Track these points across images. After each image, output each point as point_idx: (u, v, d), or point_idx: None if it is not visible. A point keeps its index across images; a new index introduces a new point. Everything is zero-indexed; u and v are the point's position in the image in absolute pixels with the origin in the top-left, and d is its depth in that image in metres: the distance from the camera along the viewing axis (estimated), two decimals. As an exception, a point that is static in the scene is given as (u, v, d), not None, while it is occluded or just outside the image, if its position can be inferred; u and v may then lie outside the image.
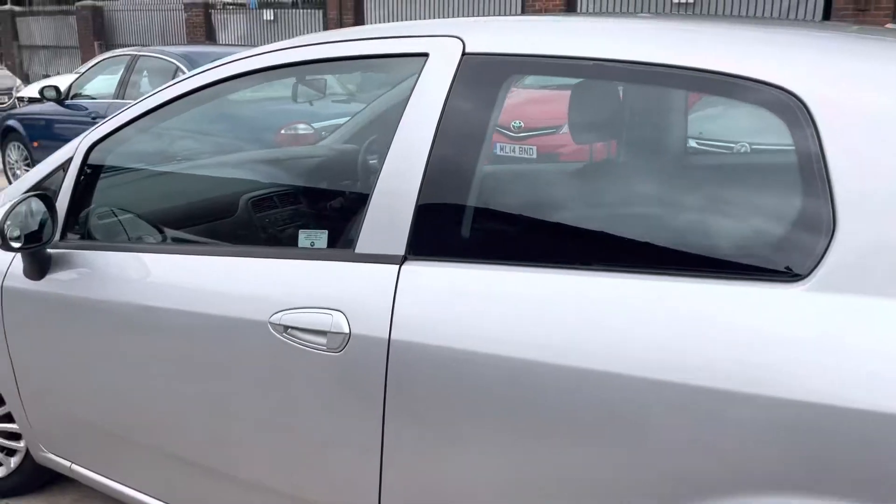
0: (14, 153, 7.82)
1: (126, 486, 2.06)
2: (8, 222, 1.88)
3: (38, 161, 7.48)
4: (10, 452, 2.50)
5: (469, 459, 1.36)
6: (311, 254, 1.59)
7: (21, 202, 1.90)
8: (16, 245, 1.91)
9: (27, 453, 2.44)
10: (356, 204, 1.70)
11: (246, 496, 1.76)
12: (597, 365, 1.22)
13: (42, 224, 1.96)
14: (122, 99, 6.79)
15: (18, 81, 15.21)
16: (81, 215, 2.09)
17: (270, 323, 1.57)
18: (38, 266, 2.01)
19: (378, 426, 1.45)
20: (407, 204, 1.45)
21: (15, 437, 2.45)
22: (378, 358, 1.42)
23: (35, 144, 7.48)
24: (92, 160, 2.07)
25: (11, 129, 7.75)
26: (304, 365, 1.52)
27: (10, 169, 7.93)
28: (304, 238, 1.67)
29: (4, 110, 14.36)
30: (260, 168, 2.61)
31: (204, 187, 2.53)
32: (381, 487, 1.49)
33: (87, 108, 7.02)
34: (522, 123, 5.73)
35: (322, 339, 1.50)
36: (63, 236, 2.04)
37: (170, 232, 2.19)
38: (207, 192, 2.46)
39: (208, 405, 1.72)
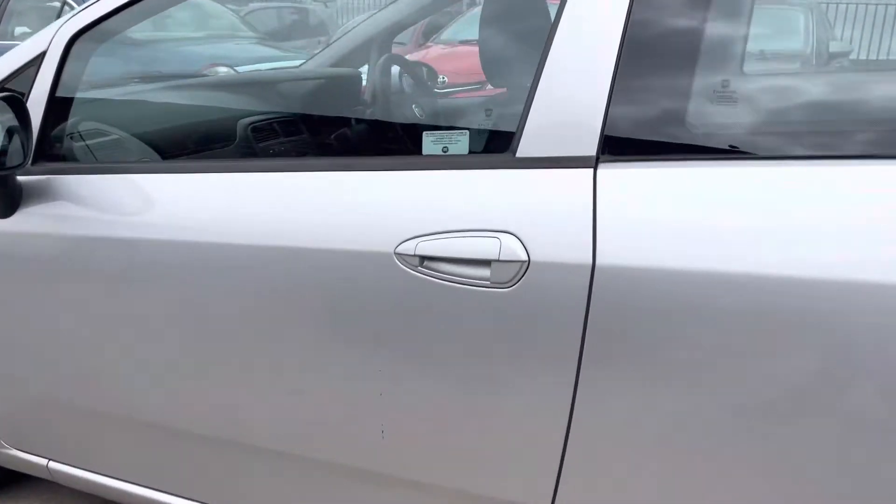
0: None
1: (140, 485, 1.59)
2: None
3: None
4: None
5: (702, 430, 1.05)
6: (450, 162, 1.20)
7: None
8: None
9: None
10: (502, 99, 1.31)
11: (360, 491, 1.36)
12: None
13: (10, 138, 1.44)
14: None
15: None
16: (58, 131, 1.57)
17: (398, 254, 1.17)
18: (7, 199, 1.49)
19: (569, 381, 1.10)
20: (596, 90, 1.10)
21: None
22: (574, 290, 1.07)
23: None
24: (73, 56, 1.55)
25: None
26: (451, 306, 1.15)
27: None
28: (433, 142, 1.27)
29: None
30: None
31: (228, 97, 2.03)
32: (562, 467, 1.15)
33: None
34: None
35: (483, 271, 1.12)
36: (35, 159, 1.52)
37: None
38: (235, 101, 1.97)
39: (293, 374, 1.30)
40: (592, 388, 1.09)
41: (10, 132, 1.43)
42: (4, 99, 1.42)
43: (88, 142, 1.65)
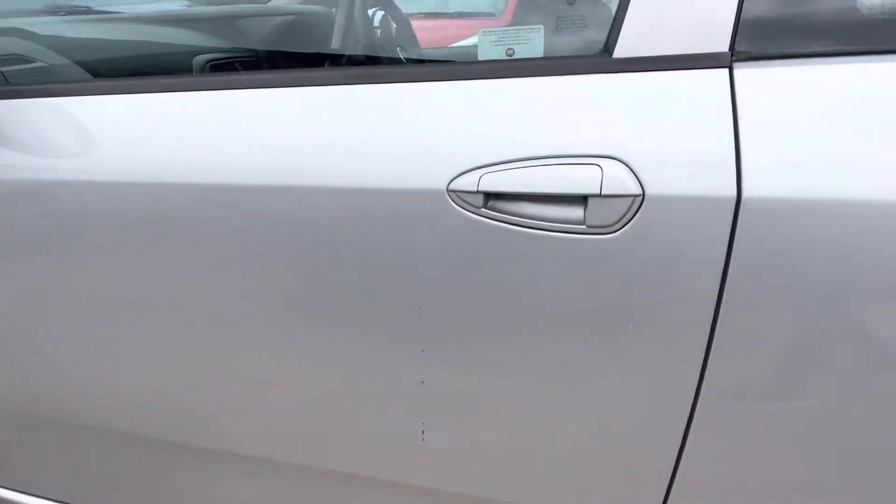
0: None
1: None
2: None
3: None
4: None
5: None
6: (519, 68, 0.89)
7: None
8: None
9: None
10: None
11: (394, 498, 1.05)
12: None
13: None
14: None
15: None
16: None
17: (452, 191, 0.86)
18: None
19: (696, 357, 0.82)
20: None
21: None
22: (710, 233, 0.78)
23: None
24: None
25: None
26: (529, 258, 0.85)
27: None
28: (493, 42, 0.94)
29: None
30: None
31: None
32: (683, 451, 0.87)
33: None
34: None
35: (575, 211, 0.83)
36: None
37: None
38: None
39: (333, 355, 0.98)
40: (726, 368, 0.81)
41: None
42: None
43: (6, 68, 1.27)
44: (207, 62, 1.73)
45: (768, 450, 0.83)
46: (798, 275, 0.76)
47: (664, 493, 0.89)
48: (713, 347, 0.81)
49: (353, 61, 1.72)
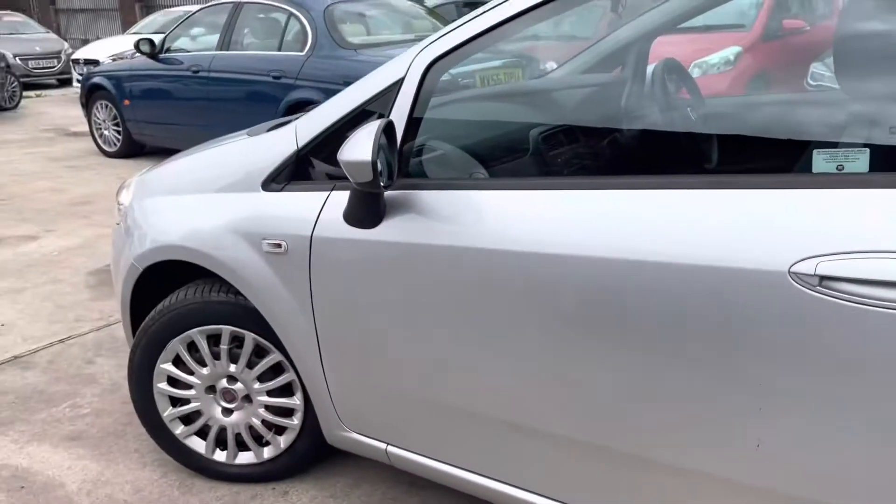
0: (102, 112, 7.48)
1: (478, 474, 1.73)
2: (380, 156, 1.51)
3: (129, 121, 7.17)
4: (280, 430, 2.18)
5: None
6: (848, 181, 1.21)
7: (380, 132, 1.52)
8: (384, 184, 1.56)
9: (300, 432, 2.12)
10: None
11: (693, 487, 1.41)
12: None
13: (388, 159, 1.60)
14: (227, 50, 6.40)
15: (66, 44, 14.88)
16: (411, 150, 1.73)
17: (793, 273, 1.20)
18: (377, 210, 1.66)
19: None
20: None
21: (287, 412, 2.13)
22: None
23: (126, 102, 7.13)
24: (427, 81, 1.69)
25: (98, 87, 7.39)
26: (858, 328, 1.16)
27: (98, 129, 7.60)
28: (825, 161, 1.29)
29: (53, 74, 14.11)
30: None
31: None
32: None
33: (182, 63, 6.64)
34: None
35: None
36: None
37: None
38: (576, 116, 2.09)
39: (642, 381, 1.37)
40: None
41: (379, 151, 1.59)
42: (387, 125, 1.57)
43: (429, 157, 1.80)
44: (540, 134, 2.19)
45: None
46: None
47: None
48: None
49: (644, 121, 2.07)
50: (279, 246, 1.84)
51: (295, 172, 1.88)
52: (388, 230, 1.66)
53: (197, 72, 6.45)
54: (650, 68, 2.53)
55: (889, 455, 1.19)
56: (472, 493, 1.78)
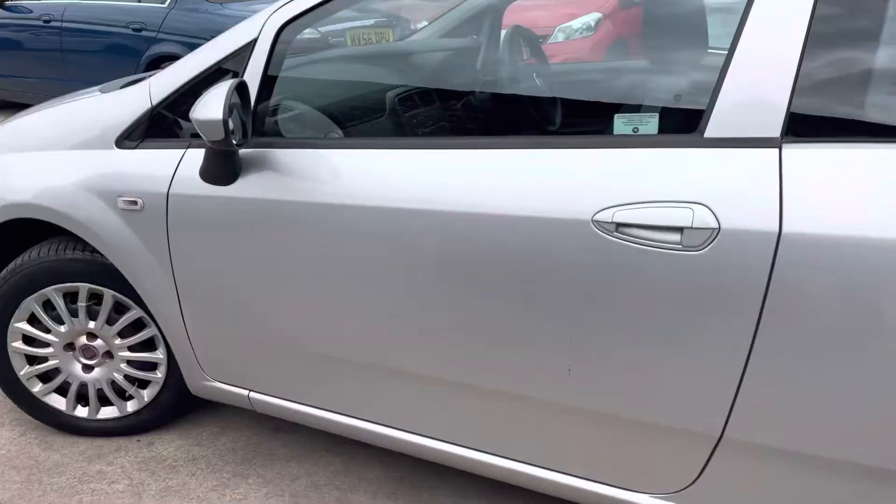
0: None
1: (339, 413, 1.87)
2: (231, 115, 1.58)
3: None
4: (143, 384, 2.23)
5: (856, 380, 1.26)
6: (642, 141, 1.41)
7: (231, 91, 1.59)
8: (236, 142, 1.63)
9: (164, 385, 2.18)
10: (677, 82, 1.51)
11: (550, 421, 1.61)
12: None
13: (242, 118, 1.67)
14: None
15: None
16: (266, 108, 1.81)
17: (595, 221, 1.39)
18: (232, 168, 1.73)
19: (747, 336, 1.32)
20: (782, 76, 1.29)
21: (150, 366, 2.18)
22: (760, 254, 1.28)
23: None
24: (280, 42, 1.76)
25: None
26: (645, 266, 1.37)
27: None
28: (624, 124, 1.47)
29: None
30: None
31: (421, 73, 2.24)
32: (731, 413, 1.38)
33: (32, 11, 6.24)
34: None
35: (674, 237, 1.34)
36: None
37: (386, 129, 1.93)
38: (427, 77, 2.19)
39: (491, 319, 1.54)
40: (768, 350, 1.31)
41: (232, 110, 1.65)
42: (239, 85, 1.64)
43: (284, 116, 1.88)
44: (396, 96, 2.31)
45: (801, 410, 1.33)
46: (816, 287, 1.25)
47: (723, 424, 1.40)
48: (759, 329, 1.31)
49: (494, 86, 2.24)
50: (135, 203, 1.88)
51: (150, 130, 1.91)
52: (244, 187, 1.74)
53: (49, 21, 6.09)
54: (502, 34, 2.70)
55: (667, 369, 1.41)
56: (335, 432, 1.91)
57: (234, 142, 1.62)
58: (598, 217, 1.39)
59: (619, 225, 1.38)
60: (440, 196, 1.54)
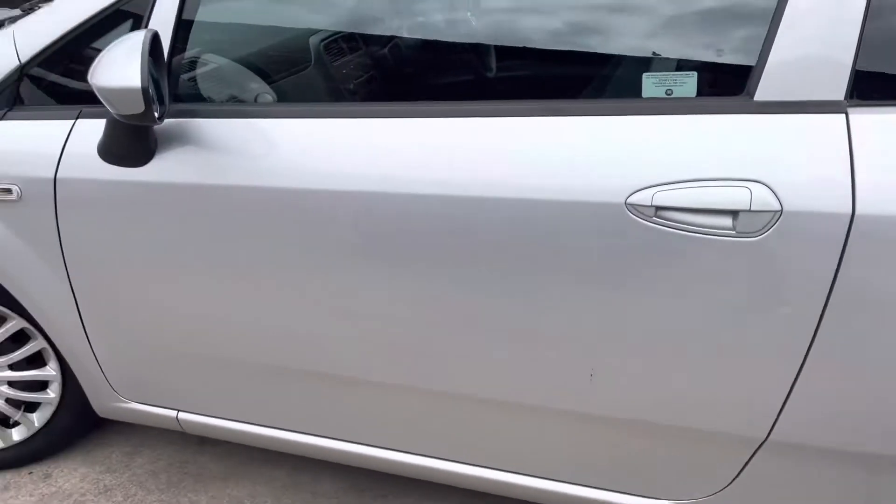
0: None
1: (297, 431, 1.57)
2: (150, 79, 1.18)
3: None
4: (31, 407, 1.81)
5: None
6: (680, 106, 1.17)
7: (147, 46, 1.19)
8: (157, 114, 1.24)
9: (59, 404, 1.78)
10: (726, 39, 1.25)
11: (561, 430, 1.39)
12: None
13: (157, 80, 1.27)
14: None
15: None
16: (180, 64, 1.42)
17: (630, 205, 1.15)
18: (146, 145, 1.34)
19: (808, 332, 1.14)
20: (845, 30, 1.09)
21: (39, 385, 1.77)
22: (828, 240, 1.09)
23: None
24: (192, -20, 1.37)
25: None
26: (692, 255, 1.15)
27: None
28: (655, 84, 1.22)
29: None
30: None
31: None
32: (781, 414, 1.22)
33: None
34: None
35: (725, 220, 1.12)
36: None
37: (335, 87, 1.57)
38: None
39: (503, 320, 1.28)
40: (832, 341, 1.14)
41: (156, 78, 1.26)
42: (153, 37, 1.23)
43: (203, 73, 1.50)
44: (321, 42, 1.95)
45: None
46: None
47: (772, 423, 1.24)
48: (821, 325, 1.13)
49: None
50: (8, 191, 1.45)
51: (18, 95, 1.47)
52: (162, 168, 1.36)
53: None
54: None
55: (714, 371, 1.23)
56: (289, 451, 1.62)
57: (157, 114, 1.23)
58: (632, 199, 1.15)
59: (658, 208, 1.15)
60: (426, 176, 1.24)
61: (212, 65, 1.52)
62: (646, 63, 1.30)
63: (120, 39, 1.24)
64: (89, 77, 1.22)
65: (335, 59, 1.96)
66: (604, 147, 1.18)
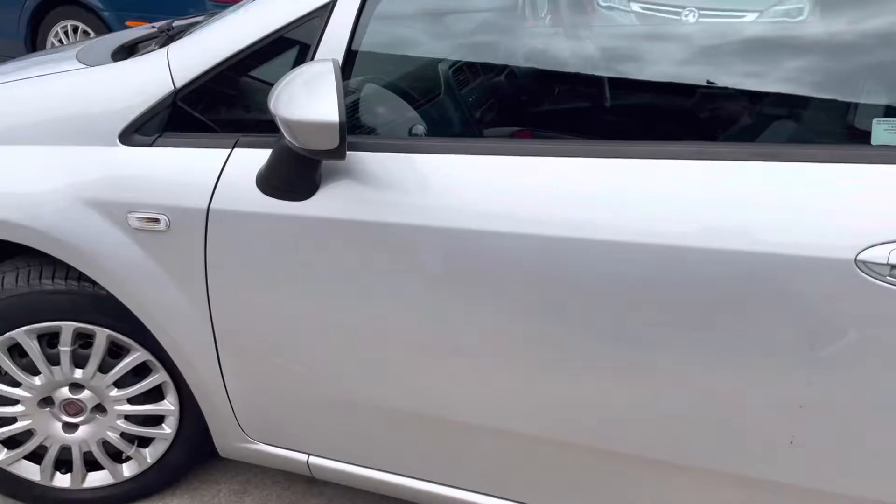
0: None
1: (410, 477, 1.48)
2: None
3: None
4: (143, 442, 1.73)
5: None
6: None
7: (339, 77, 1.12)
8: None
9: (174, 441, 1.70)
10: None
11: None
12: None
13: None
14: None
15: None
16: (351, 96, 1.35)
17: (861, 262, 1.06)
18: (313, 177, 1.27)
19: None
20: None
21: (155, 420, 1.69)
22: None
23: None
24: (367, 5, 1.30)
25: None
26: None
27: None
28: (886, 131, 1.13)
29: None
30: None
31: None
32: None
33: None
34: None
35: (972, 282, 1.04)
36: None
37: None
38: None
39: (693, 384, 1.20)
40: None
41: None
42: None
43: (366, 103, 1.42)
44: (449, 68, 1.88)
45: None
46: None
47: None
48: None
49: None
50: (156, 221, 1.38)
51: (171, 120, 1.40)
52: (328, 203, 1.29)
53: None
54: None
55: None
56: (412, 499, 1.53)
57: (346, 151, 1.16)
58: (864, 256, 1.07)
59: (894, 267, 1.06)
60: (612, 221, 1.16)
61: (368, 93, 1.45)
62: (872, 108, 1.22)
63: (300, 69, 1.17)
64: (272, 108, 1.15)
65: (461, 87, 1.89)
66: (830, 197, 1.09)
